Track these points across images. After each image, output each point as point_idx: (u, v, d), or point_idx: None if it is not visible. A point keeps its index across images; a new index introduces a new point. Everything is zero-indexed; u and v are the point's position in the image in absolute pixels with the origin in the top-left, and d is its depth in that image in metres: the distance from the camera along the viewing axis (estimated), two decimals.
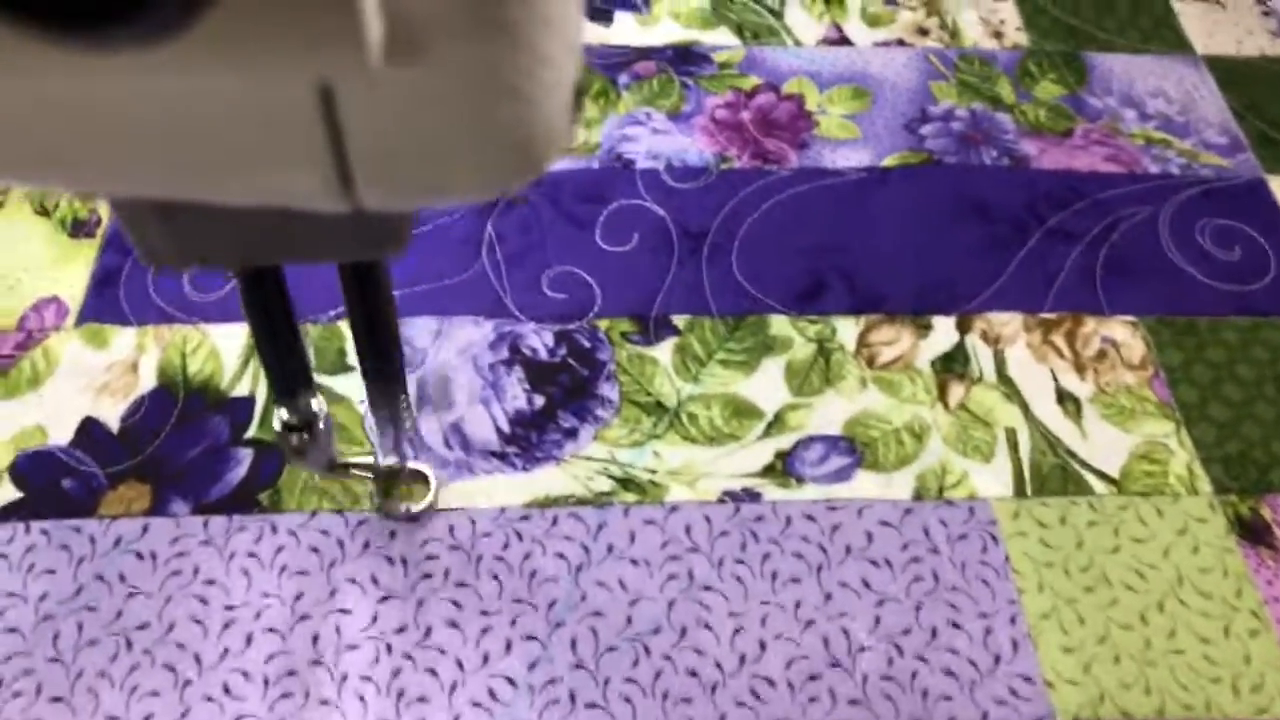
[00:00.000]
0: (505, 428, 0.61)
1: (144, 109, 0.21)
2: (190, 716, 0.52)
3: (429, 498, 0.58)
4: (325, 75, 0.20)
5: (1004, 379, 0.63)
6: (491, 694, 0.53)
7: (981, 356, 0.64)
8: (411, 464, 0.58)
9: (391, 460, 0.54)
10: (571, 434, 0.61)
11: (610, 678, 0.53)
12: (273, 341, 0.43)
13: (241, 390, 0.62)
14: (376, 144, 0.22)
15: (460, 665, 0.54)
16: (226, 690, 0.53)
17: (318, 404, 0.47)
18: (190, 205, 0.24)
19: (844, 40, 0.80)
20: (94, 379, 0.62)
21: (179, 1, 0.16)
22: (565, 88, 0.23)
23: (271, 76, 0.20)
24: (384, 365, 0.46)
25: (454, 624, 0.55)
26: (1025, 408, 0.62)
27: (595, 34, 0.79)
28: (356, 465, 0.55)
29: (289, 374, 0.45)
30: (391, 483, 0.57)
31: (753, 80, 0.77)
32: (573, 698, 0.53)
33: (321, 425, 0.47)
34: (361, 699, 0.53)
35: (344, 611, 0.55)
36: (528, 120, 0.22)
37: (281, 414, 0.47)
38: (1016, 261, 0.68)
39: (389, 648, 0.54)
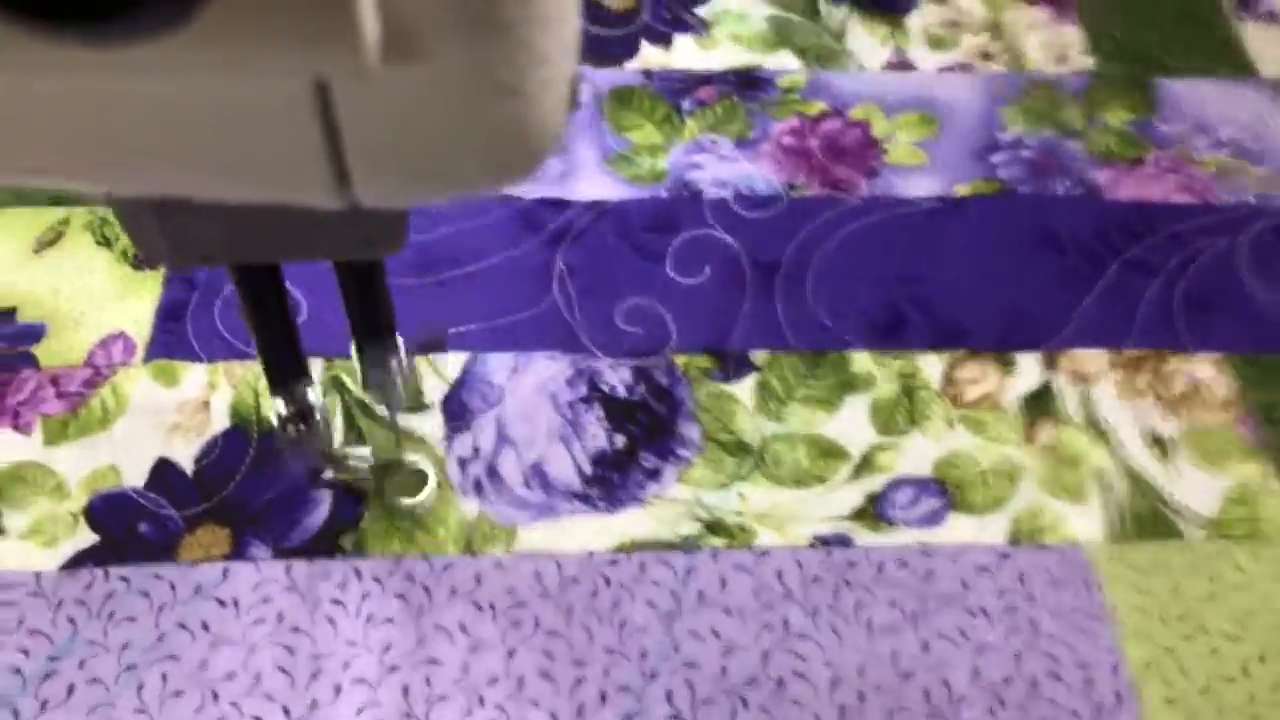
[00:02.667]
0: (587, 468, 0.60)
1: (137, 106, 0.21)
2: None
3: (427, 493, 0.57)
4: (321, 73, 0.20)
5: (1091, 419, 0.62)
6: None
7: (1068, 396, 0.63)
8: (411, 460, 0.57)
9: (392, 448, 0.55)
10: (654, 475, 0.60)
11: None
12: (269, 333, 0.44)
13: None
14: (372, 141, 0.22)
15: (555, 718, 0.52)
16: None
17: (314, 394, 0.48)
18: (187, 203, 0.24)
19: (907, 65, 0.79)
20: (165, 418, 0.61)
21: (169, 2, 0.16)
22: (561, 85, 0.23)
23: (267, 75, 0.20)
24: (379, 353, 0.48)
25: (547, 675, 0.53)
26: (1114, 449, 0.61)
27: (655, 58, 0.78)
28: (353, 456, 0.55)
29: (285, 364, 0.46)
30: (389, 475, 0.56)
31: (818, 106, 0.76)
32: None
33: (318, 416, 0.49)
34: None
35: (433, 662, 0.54)
36: (523, 117, 0.22)
37: (278, 406, 0.48)
38: (1095, 295, 0.67)
39: (481, 700, 0.53)
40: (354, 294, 0.44)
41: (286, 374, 0.47)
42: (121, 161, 0.23)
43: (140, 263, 0.66)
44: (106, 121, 0.21)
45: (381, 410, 0.51)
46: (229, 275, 0.42)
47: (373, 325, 0.46)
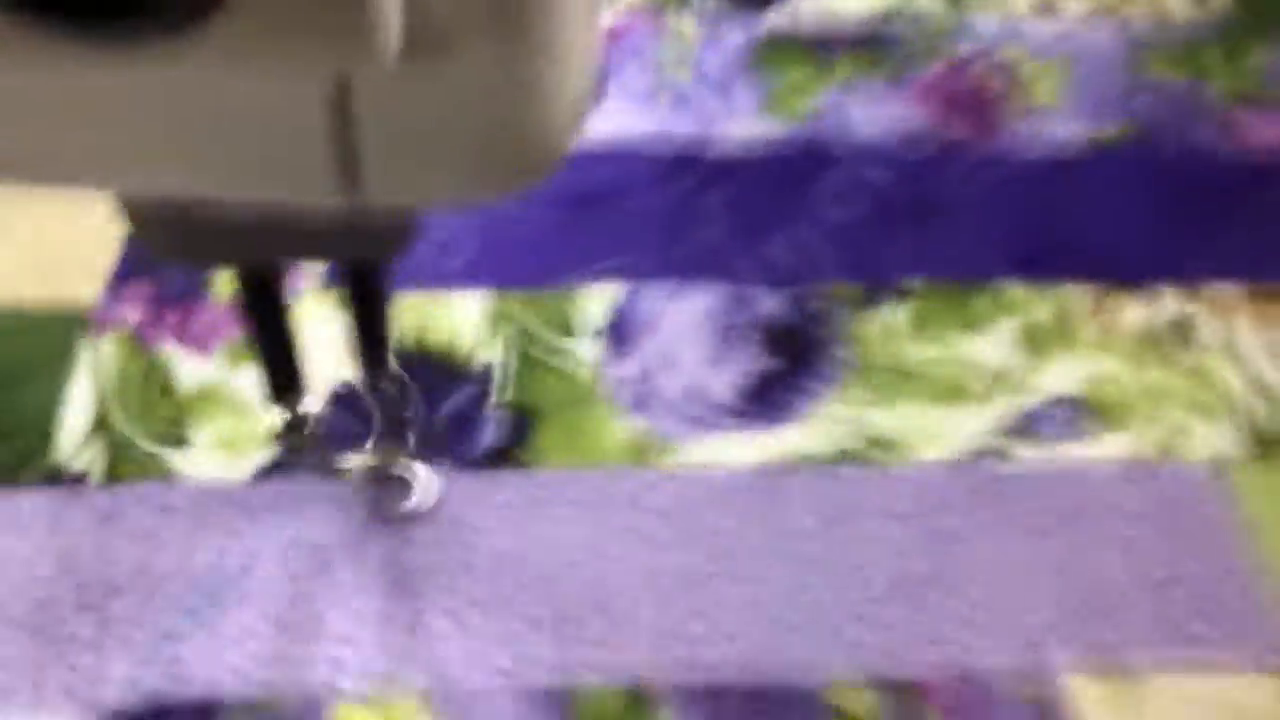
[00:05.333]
0: (745, 387, 0.62)
1: (151, 105, 0.21)
2: (475, 658, 0.54)
3: (425, 498, 0.58)
4: (342, 73, 0.20)
5: (1229, 347, 0.64)
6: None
7: (1208, 326, 0.65)
8: (409, 463, 0.58)
9: (391, 456, 0.56)
10: (810, 393, 0.62)
11: (886, 623, 0.55)
12: (270, 340, 0.44)
13: (486, 356, 0.63)
14: (388, 140, 0.22)
15: (742, 616, 0.55)
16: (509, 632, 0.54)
17: (313, 402, 0.49)
18: (195, 202, 0.25)
19: (1050, 10, 0.80)
20: (339, 345, 0.63)
21: (189, 2, 0.17)
22: (581, 84, 0.23)
23: (287, 74, 0.20)
24: (376, 355, 0.48)
25: (730, 575, 0.56)
26: (1251, 375, 0.63)
27: (801, 3, 0.80)
28: (356, 464, 0.56)
29: (284, 372, 0.47)
30: (390, 481, 0.58)
31: (964, 48, 0.78)
32: (850, 642, 0.54)
33: (317, 424, 0.50)
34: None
35: (615, 559, 0.56)
36: (541, 118, 0.23)
37: (280, 415, 0.49)
38: (1234, 232, 0.69)
39: (668, 598, 0.55)
40: (357, 294, 0.44)
41: (285, 380, 0.48)
42: (134, 162, 0.23)
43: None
44: (121, 121, 0.21)
45: (380, 408, 0.52)
46: (235, 279, 0.42)
47: (370, 330, 0.47)
